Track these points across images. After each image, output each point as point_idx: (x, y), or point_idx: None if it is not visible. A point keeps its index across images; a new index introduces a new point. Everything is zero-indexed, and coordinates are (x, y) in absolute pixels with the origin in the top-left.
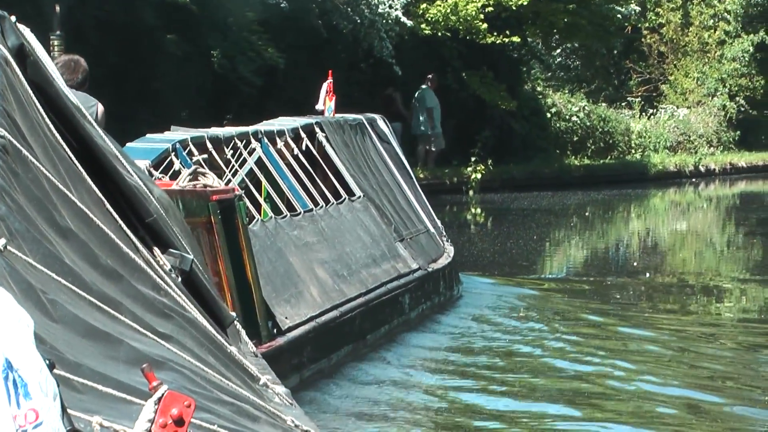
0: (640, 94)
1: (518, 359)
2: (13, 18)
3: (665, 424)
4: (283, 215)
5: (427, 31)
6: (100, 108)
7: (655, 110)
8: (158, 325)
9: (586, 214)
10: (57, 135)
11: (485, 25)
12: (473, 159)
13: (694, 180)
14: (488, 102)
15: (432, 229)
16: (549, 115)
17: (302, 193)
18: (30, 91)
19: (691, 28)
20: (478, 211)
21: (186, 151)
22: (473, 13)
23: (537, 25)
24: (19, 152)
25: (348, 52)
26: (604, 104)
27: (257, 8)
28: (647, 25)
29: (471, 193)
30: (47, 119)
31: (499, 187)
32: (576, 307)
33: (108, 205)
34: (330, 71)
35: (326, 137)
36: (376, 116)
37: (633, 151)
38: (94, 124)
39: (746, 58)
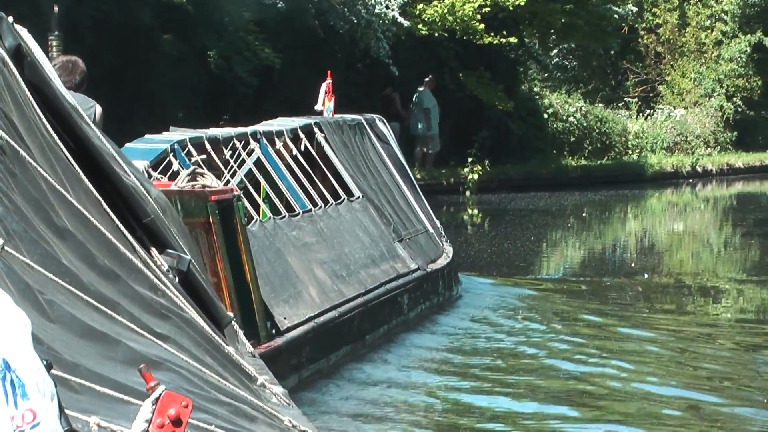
0: (637, 94)
1: (518, 359)
2: (10, 18)
3: (664, 424)
4: (282, 216)
5: (424, 32)
6: (98, 109)
7: (652, 111)
8: (155, 326)
9: (583, 214)
10: (54, 135)
11: (482, 26)
12: (470, 159)
13: (691, 181)
14: (485, 102)
15: (431, 230)
16: (546, 115)
17: (301, 193)
18: (27, 92)
19: (688, 29)
20: (475, 211)
21: (185, 151)
22: (470, 13)
23: (534, 25)
24: (16, 153)
25: (345, 52)
26: (601, 105)
27: (253, 8)
28: (644, 25)
29: (468, 193)
30: (44, 120)
31: (496, 187)
32: (575, 308)
33: (105, 206)
34: (329, 72)
35: (325, 138)
36: (375, 117)
37: (630, 151)
38: (91, 124)
39: (743, 59)
